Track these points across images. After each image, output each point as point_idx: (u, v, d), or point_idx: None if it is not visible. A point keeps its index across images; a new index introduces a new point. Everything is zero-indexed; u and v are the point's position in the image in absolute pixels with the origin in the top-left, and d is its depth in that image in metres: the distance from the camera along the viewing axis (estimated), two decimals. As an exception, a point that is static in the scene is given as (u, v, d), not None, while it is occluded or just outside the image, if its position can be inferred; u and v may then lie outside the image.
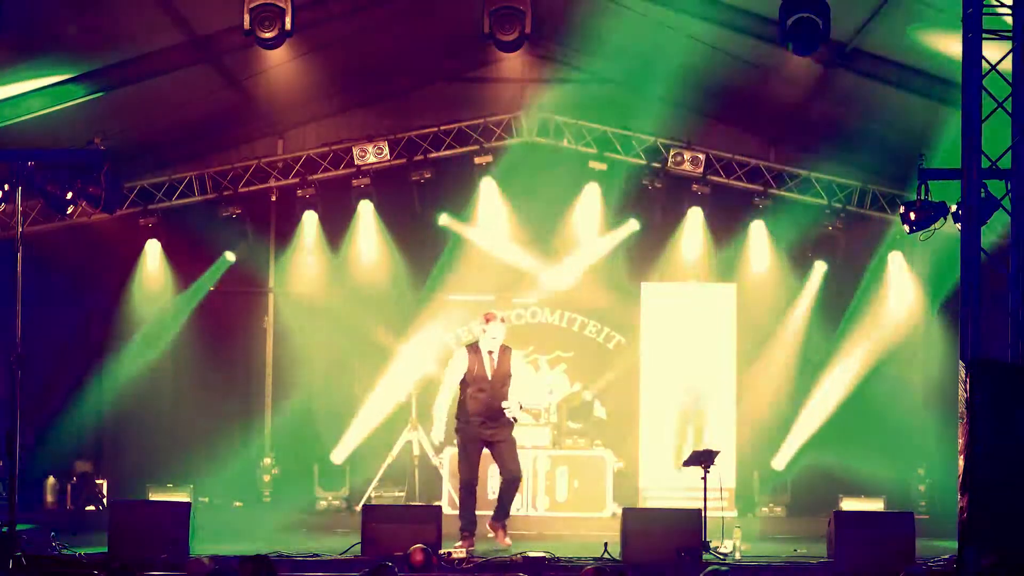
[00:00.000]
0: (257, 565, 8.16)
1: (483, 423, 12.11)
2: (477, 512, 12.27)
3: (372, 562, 9.50)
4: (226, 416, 16.09)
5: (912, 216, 14.38)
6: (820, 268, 16.01)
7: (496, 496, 12.55)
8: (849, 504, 14.79)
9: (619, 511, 12.40)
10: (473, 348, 12.27)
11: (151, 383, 16.05)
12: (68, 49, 12.63)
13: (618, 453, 15.26)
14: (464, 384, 12.21)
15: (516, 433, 14.93)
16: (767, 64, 13.86)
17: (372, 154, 15.68)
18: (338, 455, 15.92)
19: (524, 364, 12.43)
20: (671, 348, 15.47)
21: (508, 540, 12.22)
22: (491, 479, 13.79)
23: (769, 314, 16.03)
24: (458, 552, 10.95)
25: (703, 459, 11.87)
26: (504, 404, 12.09)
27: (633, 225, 15.99)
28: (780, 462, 15.77)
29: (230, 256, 16.05)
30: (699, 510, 11.36)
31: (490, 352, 12.15)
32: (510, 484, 12.26)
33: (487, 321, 12.20)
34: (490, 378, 12.10)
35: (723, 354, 15.46)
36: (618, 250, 16.12)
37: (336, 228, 16.16)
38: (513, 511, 14.35)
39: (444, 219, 16.04)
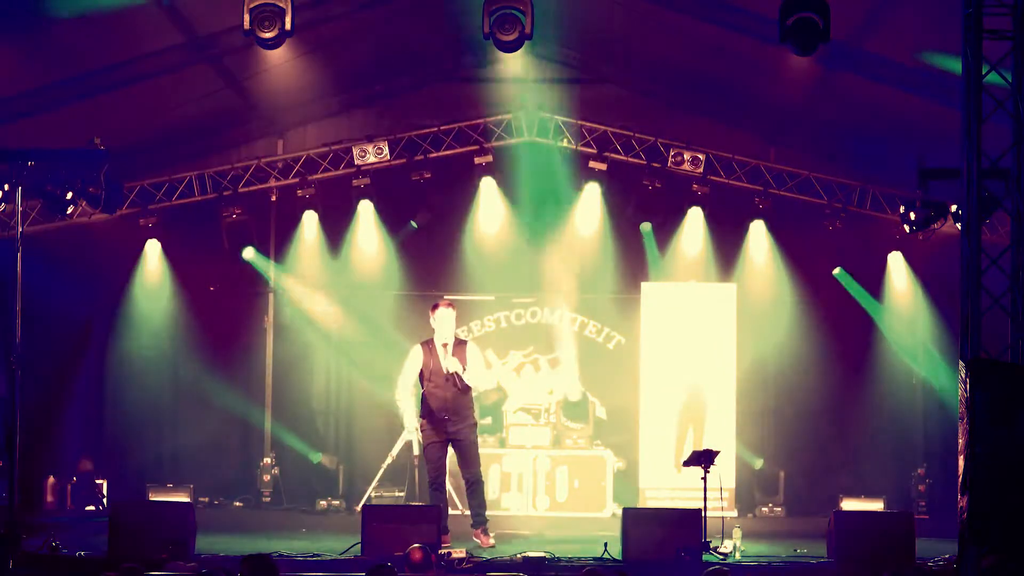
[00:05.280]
0: (257, 564, 8.16)
1: (442, 419, 11.99)
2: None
3: (372, 562, 9.49)
4: (226, 416, 16.09)
5: (912, 216, 14.43)
6: (818, 268, 16.01)
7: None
8: (849, 504, 14.79)
9: (619, 511, 12.39)
10: (428, 343, 12.11)
11: (151, 383, 16.05)
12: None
13: (618, 453, 15.26)
14: (422, 380, 12.08)
15: (516, 433, 15.09)
16: (767, 64, 13.87)
17: (372, 154, 15.67)
18: (336, 456, 15.98)
19: (478, 355, 12.24)
20: (671, 348, 15.45)
21: (491, 540, 12.09)
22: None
23: (769, 314, 16.03)
24: (458, 552, 10.95)
25: (703, 459, 11.86)
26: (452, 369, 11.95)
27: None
28: (780, 461, 15.78)
29: None
30: (699, 510, 11.36)
31: (444, 345, 12.02)
32: (471, 486, 12.19)
33: (432, 311, 12.12)
34: (444, 372, 11.98)
35: (723, 354, 15.44)
36: (618, 250, 16.12)
37: (336, 228, 16.16)
38: (513, 511, 14.47)
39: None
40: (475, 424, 12.24)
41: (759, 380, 15.96)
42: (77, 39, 12.48)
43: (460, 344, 12.17)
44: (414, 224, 16.02)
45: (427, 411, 12.04)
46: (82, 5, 11.92)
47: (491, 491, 14.66)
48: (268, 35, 11.49)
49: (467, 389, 12.09)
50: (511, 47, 12.38)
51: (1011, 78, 9.95)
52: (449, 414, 11.98)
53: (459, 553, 10.92)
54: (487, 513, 12.35)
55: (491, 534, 12.20)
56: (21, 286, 11.22)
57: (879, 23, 12.58)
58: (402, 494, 14.97)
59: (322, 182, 15.86)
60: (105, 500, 15.19)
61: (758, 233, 15.99)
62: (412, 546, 10.31)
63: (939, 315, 15.65)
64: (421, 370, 12.06)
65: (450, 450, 12.17)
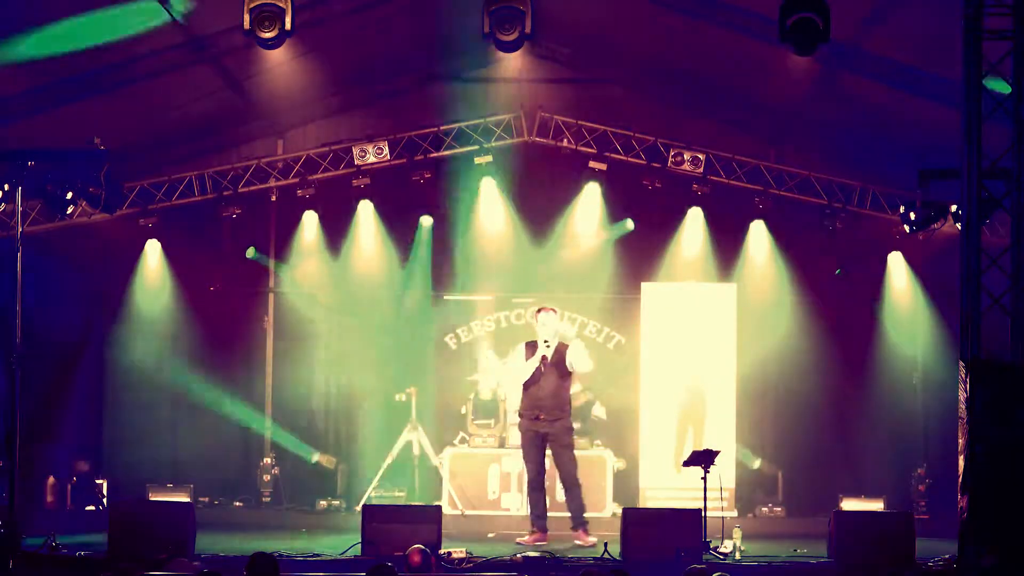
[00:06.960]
0: (260, 562, 8.17)
1: (534, 418, 12.47)
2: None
3: (372, 562, 9.49)
4: (226, 416, 16.08)
5: (912, 216, 14.44)
6: (819, 268, 16.00)
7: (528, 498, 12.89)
8: (849, 504, 14.79)
9: (619, 511, 12.41)
10: (532, 343, 12.66)
11: (151, 383, 16.05)
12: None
13: (618, 453, 15.25)
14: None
15: (516, 433, 15.03)
16: (767, 64, 13.86)
17: (372, 154, 15.67)
18: (335, 455, 15.99)
19: (578, 347, 12.74)
20: (671, 348, 15.45)
21: (590, 539, 12.42)
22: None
23: (769, 314, 16.03)
24: (458, 552, 10.96)
25: (703, 459, 11.87)
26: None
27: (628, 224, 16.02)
28: (780, 461, 15.78)
29: None
30: (699, 510, 11.36)
31: (546, 343, 12.48)
32: (566, 490, 12.64)
33: (535, 316, 12.73)
34: (542, 370, 12.45)
35: (723, 354, 15.44)
36: (618, 250, 16.12)
37: (336, 228, 16.16)
38: (513, 511, 14.46)
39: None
40: (570, 428, 12.66)
41: (759, 380, 15.95)
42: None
43: (562, 347, 12.61)
44: (423, 222, 16.03)
45: (523, 408, 12.64)
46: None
47: (490, 491, 14.66)
48: (268, 35, 11.51)
49: (565, 379, 12.50)
50: (511, 47, 12.40)
51: (1011, 78, 9.97)
52: (542, 412, 12.46)
53: (459, 553, 10.93)
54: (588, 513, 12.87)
55: (591, 533, 12.57)
56: (21, 286, 11.22)
57: (880, 23, 12.57)
58: (402, 494, 14.97)
59: (322, 182, 15.86)
60: (105, 500, 15.18)
61: (758, 233, 16.00)
62: (411, 548, 10.33)
63: (939, 315, 15.64)
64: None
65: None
